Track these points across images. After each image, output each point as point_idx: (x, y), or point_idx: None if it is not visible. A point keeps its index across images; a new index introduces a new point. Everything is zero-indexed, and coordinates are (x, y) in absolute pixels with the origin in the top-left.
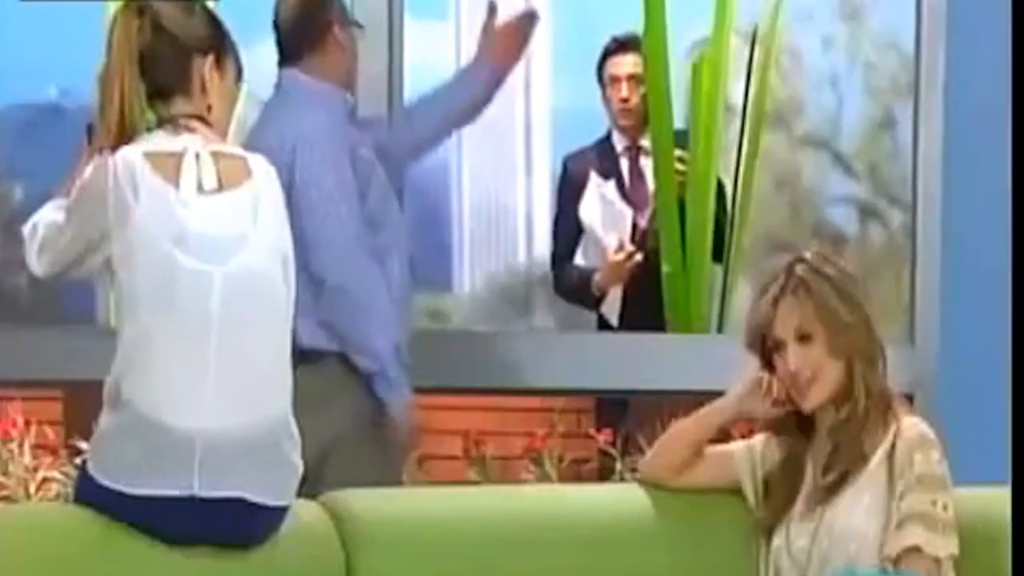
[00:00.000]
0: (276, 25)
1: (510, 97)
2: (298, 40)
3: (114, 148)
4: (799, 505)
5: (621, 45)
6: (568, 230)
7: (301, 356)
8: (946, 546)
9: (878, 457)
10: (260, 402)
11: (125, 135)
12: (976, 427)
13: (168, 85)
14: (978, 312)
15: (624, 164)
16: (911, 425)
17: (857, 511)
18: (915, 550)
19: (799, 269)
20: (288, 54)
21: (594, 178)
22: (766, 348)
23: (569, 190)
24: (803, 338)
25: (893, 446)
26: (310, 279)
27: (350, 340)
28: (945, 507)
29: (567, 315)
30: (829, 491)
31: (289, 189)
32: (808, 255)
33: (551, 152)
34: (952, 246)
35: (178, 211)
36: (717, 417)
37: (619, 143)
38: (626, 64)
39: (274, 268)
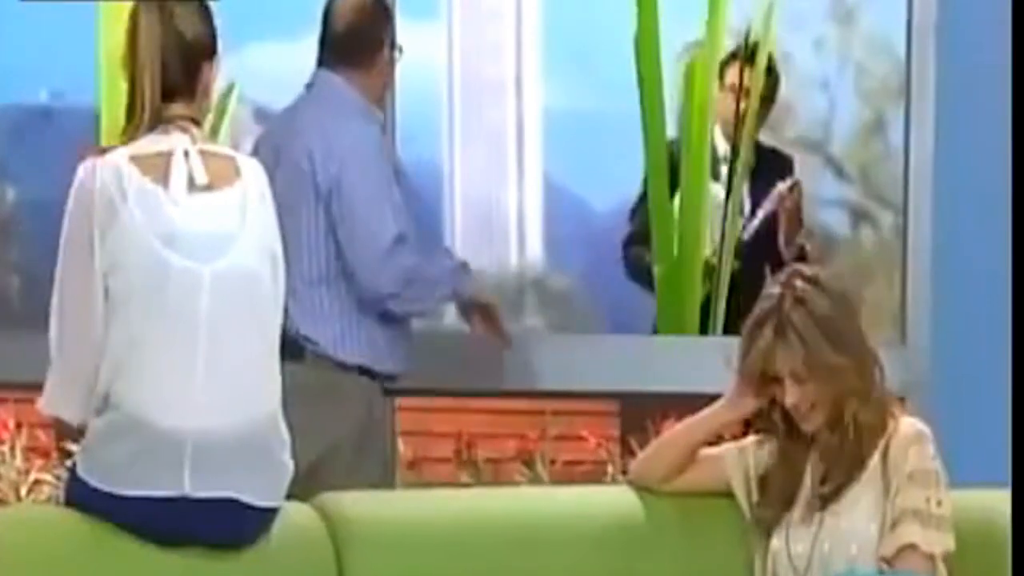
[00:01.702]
0: (326, 25)
1: (502, 98)
2: (349, 50)
3: (103, 152)
4: (798, 509)
5: (732, 54)
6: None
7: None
8: (941, 542)
9: (875, 459)
10: (250, 402)
11: (152, 128)
12: (968, 428)
13: (174, 87)
14: (969, 313)
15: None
16: (908, 423)
17: (857, 512)
18: (910, 547)
19: (789, 307)
20: (333, 59)
21: None
22: (764, 379)
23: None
24: (797, 378)
25: (888, 444)
26: (357, 298)
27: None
28: (940, 503)
29: (558, 317)
30: (827, 499)
31: (329, 198)
32: (798, 284)
33: (543, 153)
34: (943, 248)
35: (168, 210)
36: (712, 423)
37: (721, 146)
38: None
39: (263, 267)
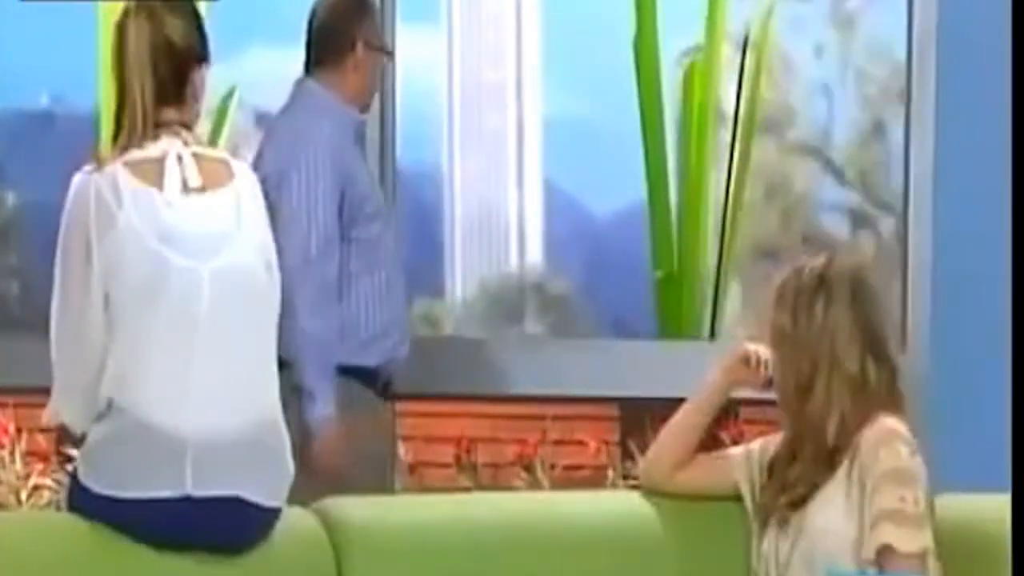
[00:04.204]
0: (308, 31)
1: (502, 104)
2: (320, 51)
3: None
4: (780, 510)
5: None
6: None
7: None
8: (917, 540)
9: (845, 458)
10: (250, 400)
11: (147, 134)
12: (968, 431)
13: (165, 93)
14: (969, 318)
15: None
16: (879, 423)
17: (831, 511)
18: (888, 549)
19: (789, 276)
20: (311, 63)
21: None
22: None
23: None
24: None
25: (858, 444)
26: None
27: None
28: (916, 502)
29: (558, 321)
30: (796, 504)
31: (278, 195)
32: (822, 260)
33: (543, 157)
34: (943, 253)
35: (163, 211)
36: (709, 395)
37: None
38: None
39: (259, 265)
